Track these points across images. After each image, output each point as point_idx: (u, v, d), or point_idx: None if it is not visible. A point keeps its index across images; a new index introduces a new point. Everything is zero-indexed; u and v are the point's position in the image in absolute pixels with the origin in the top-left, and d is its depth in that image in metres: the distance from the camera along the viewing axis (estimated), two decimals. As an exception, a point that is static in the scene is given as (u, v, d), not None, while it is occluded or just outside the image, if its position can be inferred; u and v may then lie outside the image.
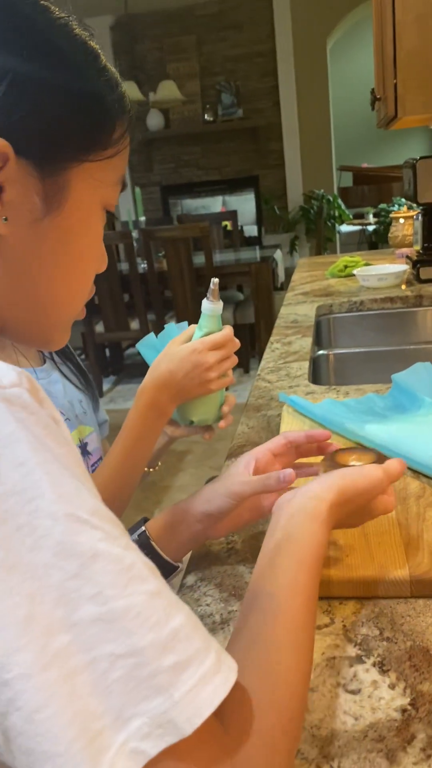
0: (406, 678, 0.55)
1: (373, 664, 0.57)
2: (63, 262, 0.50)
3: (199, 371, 0.83)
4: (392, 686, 0.54)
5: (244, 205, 6.81)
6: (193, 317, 3.65)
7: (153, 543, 0.70)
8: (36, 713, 0.32)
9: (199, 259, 4.09)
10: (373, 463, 0.65)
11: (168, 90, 4.59)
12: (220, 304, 0.85)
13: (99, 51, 0.50)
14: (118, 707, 0.33)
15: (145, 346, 0.96)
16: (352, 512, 0.61)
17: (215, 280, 0.83)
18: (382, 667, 0.56)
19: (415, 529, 0.71)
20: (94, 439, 1.01)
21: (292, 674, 0.44)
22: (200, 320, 0.86)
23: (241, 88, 6.18)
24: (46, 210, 0.47)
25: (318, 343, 1.96)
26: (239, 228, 5.79)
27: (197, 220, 5.03)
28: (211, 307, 0.84)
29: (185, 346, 0.83)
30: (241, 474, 0.69)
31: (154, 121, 6.21)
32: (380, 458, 0.67)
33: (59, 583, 0.34)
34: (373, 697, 0.53)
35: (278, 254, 4.86)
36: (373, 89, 2.48)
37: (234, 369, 0.92)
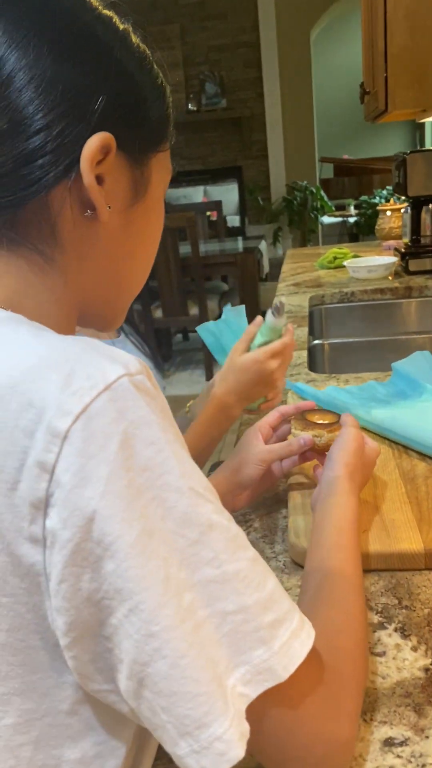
0: (426, 641, 0.59)
1: (395, 630, 0.61)
2: (141, 246, 0.54)
3: (263, 378, 0.93)
4: (414, 648, 0.58)
5: (227, 195, 6.81)
6: (179, 307, 3.62)
7: None
8: (181, 659, 0.37)
9: (185, 249, 4.10)
10: (333, 420, 0.80)
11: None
12: (284, 319, 0.94)
13: (150, 54, 0.54)
14: (228, 656, 0.39)
15: (205, 330, 1.05)
16: (362, 469, 0.72)
17: (282, 300, 0.93)
18: (404, 632, 0.60)
19: (425, 507, 0.76)
20: None
21: (351, 618, 0.52)
22: (262, 327, 0.95)
23: (224, 78, 6.18)
24: (135, 198, 0.51)
25: (311, 333, 2.01)
26: (223, 218, 5.82)
27: (181, 210, 5.03)
28: (274, 320, 0.93)
29: (248, 357, 0.93)
30: (257, 444, 0.80)
31: (138, 110, 6.19)
32: (336, 416, 0.81)
33: (183, 548, 0.38)
34: (397, 659, 0.58)
35: (263, 245, 4.89)
36: (362, 83, 2.52)
37: None
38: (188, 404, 1.11)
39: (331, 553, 0.58)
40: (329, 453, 0.71)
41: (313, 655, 0.43)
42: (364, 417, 0.97)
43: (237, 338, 0.96)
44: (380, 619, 0.63)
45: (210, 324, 1.05)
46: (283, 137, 6.27)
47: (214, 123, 6.31)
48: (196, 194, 7.05)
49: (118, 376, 0.39)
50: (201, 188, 7.00)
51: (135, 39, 0.52)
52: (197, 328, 1.06)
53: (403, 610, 0.63)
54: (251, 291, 4.29)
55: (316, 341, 1.69)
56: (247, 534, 0.79)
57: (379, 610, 0.64)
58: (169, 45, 6.17)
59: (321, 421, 0.80)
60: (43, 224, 0.47)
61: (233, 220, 6.83)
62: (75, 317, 0.53)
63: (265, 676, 0.39)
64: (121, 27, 0.51)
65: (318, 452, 0.79)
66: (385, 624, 0.62)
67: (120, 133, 0.48)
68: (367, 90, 2.37)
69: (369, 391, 1.12)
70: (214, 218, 5.44)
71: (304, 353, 1.47)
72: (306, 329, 1.68)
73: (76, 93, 0.46)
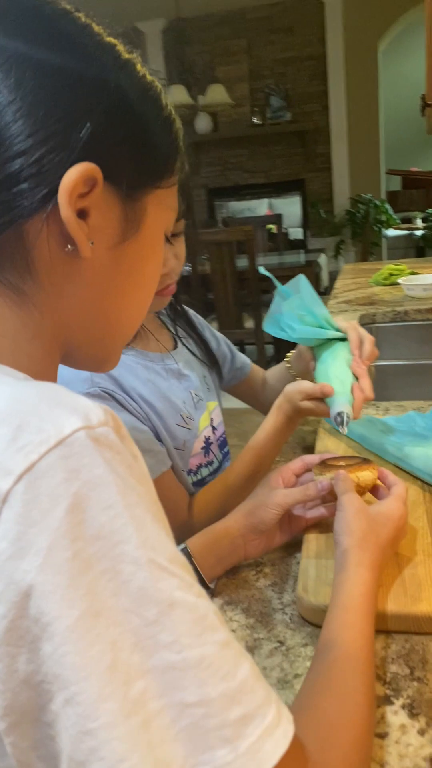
0: (436, 724, 0.52)
1: (402, 706, 0.54)
2: (133, 285, 0.50)
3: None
4: (422, 732, 0.52)
5: (290, 208, 6.76)
6: (235, 321, 3.59)
7: (193, 560, 0.71)
8: (120, 763, 0.32)
9: (243, 262, 4.07)
10: (360, 466, 0.74)
11: (216, 93, 4.59)
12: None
13: (160, 86, 0.51)
14: (184, 755, 0.33)
15: (270, 325, 0.97)
16: (375, 531, 0.64)
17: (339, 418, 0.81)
18: (412, 710, 0.54)
19: (452, 561, 0.68)
20: (218, 412, 1.07)
21: (351, 708, 0.47)
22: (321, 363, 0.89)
23: (290, 91, 6.14)
24: (125, 234, 0.48)
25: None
26: (284, 231, 5.76)
27: (242, 223, 5.01)
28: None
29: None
30: (275, 488, 0.76)
31: (203, 124, 6.22)
32: (365, 460, 0.76)
33: (138, 628, 0.34)
34: (401, 743, 0.51)
35: (323, 258, 4.81)
36: (423, 95, 2.44)
37: None
38: (287, 360, 1.08)
39: (337, 633, 0.53)
40: (334, 529, 0.66)
41: (292, 756, 0.37)
42: (396, 454, 0.90)
43: (308, 304, 0.90)
44: (387, 691, 0.56)
45: (272, 316, 0.96)
46: (348, 150, 6.17)
47: (278, 136, 6.27)
48: (260, 207, 7.03)
49: (74, 429, 0.35)
50: (265, 201, 6.97)
51: (141, 69, 0.49)
52: (264, 327, 0.98)
53: (415, 683, 0.56)
54: (309, 306, 4.21)
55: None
56: (255, 580, 0.74)
57: (388, 680, 0.57)
58: (236, 59, 6.18)
59: (343, 464, 0.75)
60: (17, 256, 0.44)
61: (296, 233, 6.77)
62: (57, 356, 0.50)
63: None
64: (125, 56, 0.48)
65: None
66: (392, 698, 0.55)
67: (110, 165, 0.44)
68: (429, 102, 2.29)
69: (408, 423, 1.05)
70: (275, 231, 5.40)
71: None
72: (351, 351, 1.60)
73: (59, 119, 0.43)
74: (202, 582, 0.72)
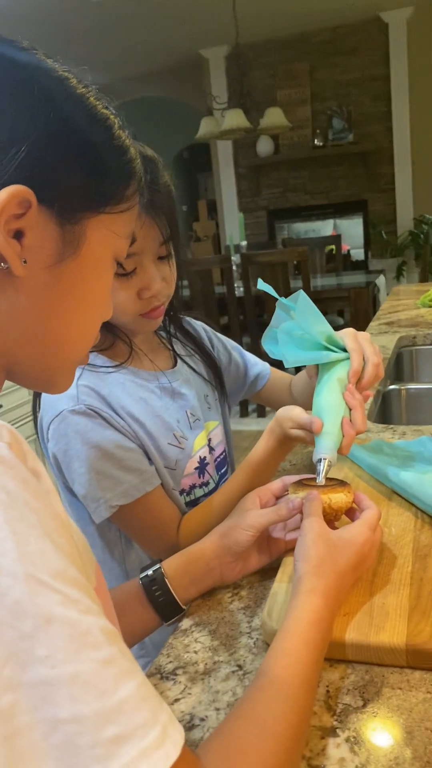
0: (377, 762, 0.50)
1: (346, 740, 0.52)
2: (72, 306, 0.51)
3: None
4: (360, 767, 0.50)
5: (353, 229, 6.70)
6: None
7: (167, 580, 0.71)
8: None
9: (299, 283, 4.06)
10: (335, 489, 0.72)
11: (274, 116, 4.61)
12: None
13: (114, 119, 0.53)
14: None
15: (268, 341, 0.93)
16: (333, 558, 0.62)
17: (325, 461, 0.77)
18: (356, 745, 0.52)
19: (427, 591, 0.66)
20: (219, 432, 1.06)
21: (267, 736, 0.46)
22: (318, 387, 0.85)
23: (352, 112, 6.12)
24: (64, 255, 0.49)
25: (398, 376, 1.89)
26: (345, 252, 5.70)
27: (300, 245, 5.00)
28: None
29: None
30: (250, 509, 0.75)
31: (264, 147, 6.27)
32: (341, 484, 0.74)
33: (12, 641, 0.34)
34: (335, 777, 0.49)
35: (381, 280, 4.73)
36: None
37: None
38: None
39: (273, 660, 0.52)
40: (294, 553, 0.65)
41: (205, 749, 0.38)
42: (392, 479, 0.88)
43: (306, 322, 0.86)
44: (335, 723, 0.54)
45: (272, 332, 0.92)
46: (411, 170, 6.08)
47: (340, 157, 6.25)
48: (325, 228, 7.00)
49: None
50: (330, 222, 6.94)
51: (94, 102, 0.51)
52: (263, 342, 0.93)
53: (364, 716, 0.54)
54: (364, 326, 4.15)
55: (393, 386, 1.58)
56: (230, 602, 0.73)
57: (338, 711, 0.55)
58: (298, 83, 6.22)
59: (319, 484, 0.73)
60: None
61: (358, 254, 6.70)
62: None
63: None
64: (76, 89, 0.50)
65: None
66: (337, 731, 0.53)
67: (45, 189, 0.46)
68: None
69: (417, 447, 1.02)
70: (344, 251, 5.33)
71: (369, 401, 1.37)
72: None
73: None
74: (174, 603, 0.72)
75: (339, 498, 0.71)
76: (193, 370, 1.04)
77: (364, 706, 0.56)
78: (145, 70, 6.74)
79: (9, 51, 0.48)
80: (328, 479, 0.75)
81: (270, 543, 0.77)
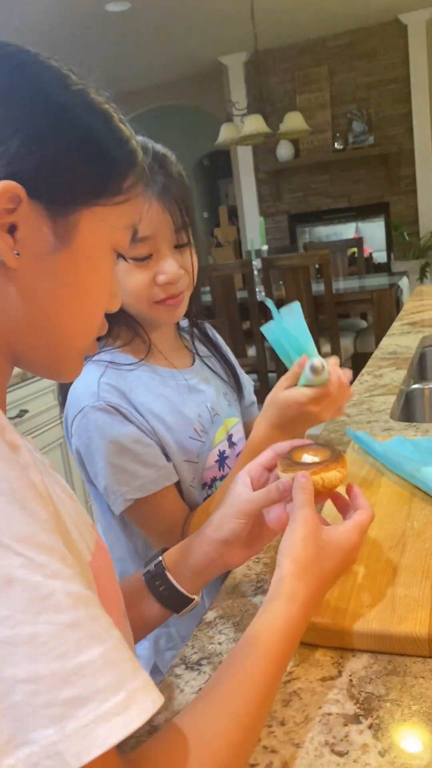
0: (400, 746, 0.50)
1: (369, 726, 0.53)
2: (71, 296, 0.53)
3: (305, 418, 0.83)
4: (382, 753, 0.50)
5: (375, 231, 6.68)
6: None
7: (168, 573, 0.70)
8: None
9: (321, 286, 4.06)
10: (329, 458, 0.66)
11: (294, 121, 4.62)
12: (324, 375, 0.81)
13: (113, 112, 0.54)
14: (11, 731, 0.34)
15: (268, 332, 0.91)
16: (319, 560, 0.58)
17: (320, 363, 0.80)
18: (378, 731, 0.52)
19: (449, 583, 0.66)
20: (239, 429, 1.06)
21: (233, 724, 0.46)
22: (303, 373, 0.84)
23: (372, 115, 6.11)
24: (56, 246, 0.50)
25: (422, 376, 1.88)
26: (366, 255, 5.68)
27: (322, 248, 5.00)
28: (311, 378, 0.81)
29: (291, 396, 0.82)
30: (242, 493, 0.69)
31: (284, 151, 6.28)
32: (334, 454, 0.68)
33: None
34: (359, 762, 0.50)
35: (404, 281, 4.71)
36: None
37: None
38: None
39: (228, 668, 0.51)
40: (279, 546, 0.60)
41: (141, 753, 0.37)
42: (413, 473, 0.88)
43: (295, 340, 0.84)
44: (357, 710, 0.55)
45: (272, 324, 0.91)
46: (433, 171, 6.04)
47: (361, 160, 6.23)
48: (347, 231, 6.98)
49: None
50: (352, 225, 6.93)
51: (94, 96, 0.52)
52: (262, 329, 0.92)
53: (387, 704, 0.55)
54: (387, 329, 4.12)
55: (416, 385, 1.57)
56: (253, 595, 0.74)
57: (361, 700, 0.56)
58: (318, 87, 6.23)
59: (309, 458, 0.67)
60: None
61: (380, 257, 6.67)
62: (3, 361, 0.53)
63: (53, 761, 0.34)
64: (75, 84, 0.51)
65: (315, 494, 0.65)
66: (360, 718, 0.54)
67: (35, 183, 0.47)
68: None
69: (440, 443, 1.02)
70: (367, 254, 5.31)
71: (392, 398, 1.37)
72: (404, 372, 1.57)
73: None
74: (180, 595, 0.70)
75: (332, 476, 0.65)
76: (212, 370, 1.05)
77: (387, 693, 0.56)
78: (167, 79, 6.80)
79: (18, 53, 0.49)
80: (320, 446, 0.70)
81: (273, 516, 0.69)
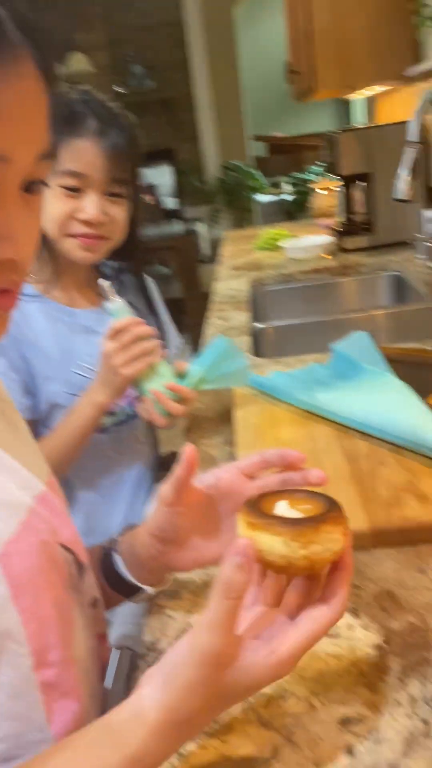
0: (377, 619, 0.61)
1: (347, 611, 0.63)
2: None
3: (106, 361, 0.90)
4: (365, 627, 0.61)
5: (161, 178, 6.75)
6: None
7: (115, 554, 0.64)
8: None
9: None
10: (317, 527, 0.43)
11: (78, 62, 4.49)
12: (118, 302, 0.91)
13: None
14: None
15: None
16: (213, 705, 0.43)
17: (106, 284, 0.90)
18: (355, 612, 0.62)
19: (368, 485, 0.78)
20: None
21: None
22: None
23: (152, 59, 6.09)
24: None
25: (256, 317, 2.02)
26: (159, 202, 5.75)
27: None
28: (109, 306, 0.91)
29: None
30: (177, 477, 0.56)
31: (64, 94, 6.05)
32: (331, 506, 0.46)
33: None
34: (351, 639, 0.60)
35: (201, 227, 4.88)
36: (287, 62, 2.53)
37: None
38: None
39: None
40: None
41: None
42: (308, 401, 0.99)
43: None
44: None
45: None
46: (214, 117, 6.23)
47: (143, 105, 6.22)
48: (130, 178, 6.96)
49: None
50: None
51: None
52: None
53: (353, 590, 0.65)
54: (192, 274, 4.28)
55: (259, 325, 1.70)
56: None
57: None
58: (93, 26, 6.04)
59: (287, 512, 0.46)
60: None
61: (170, 203, 6.78)
62: None
63: None
64: None
65: (278, 571, 0.45)
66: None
67: None
68: (294, 70, 2.38)
69: (311, 374, 1.14)
70: (153, 202, 5.38)
71: (247, 338, 1.48)
72: (245, 313, 1.69)
73: None
74: (130, 584, 0.64)
75: (324, 548, 0.43)
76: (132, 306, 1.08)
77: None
78: None
79: None
80: (306, 495, 0.49)
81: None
